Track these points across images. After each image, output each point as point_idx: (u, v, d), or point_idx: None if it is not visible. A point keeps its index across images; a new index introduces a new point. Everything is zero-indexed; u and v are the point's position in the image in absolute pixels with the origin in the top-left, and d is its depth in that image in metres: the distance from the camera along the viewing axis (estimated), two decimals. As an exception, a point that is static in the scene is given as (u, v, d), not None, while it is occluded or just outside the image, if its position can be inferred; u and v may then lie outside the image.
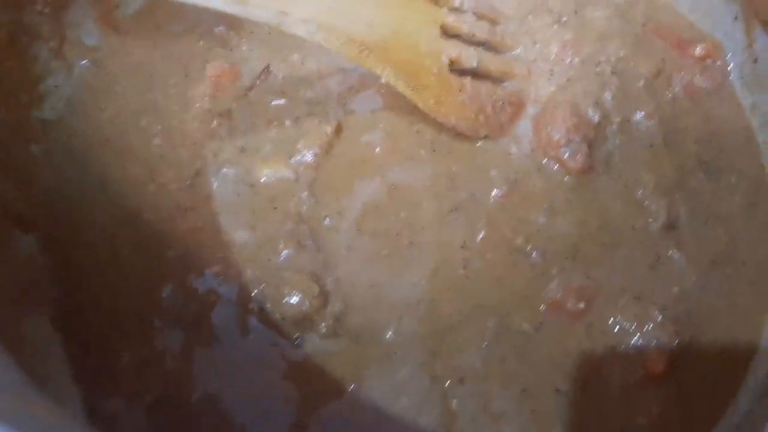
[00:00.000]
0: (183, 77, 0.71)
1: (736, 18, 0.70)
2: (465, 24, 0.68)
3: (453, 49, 0.66)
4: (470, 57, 0.67)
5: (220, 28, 0.74)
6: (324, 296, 0.60)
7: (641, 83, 0.71)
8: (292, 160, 0.66)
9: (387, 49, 0.59)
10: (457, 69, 0.67)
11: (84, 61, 0.72)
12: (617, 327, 0.60)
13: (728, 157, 0.67)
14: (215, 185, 0.65)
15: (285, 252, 0.62)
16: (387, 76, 0.61)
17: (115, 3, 0.74)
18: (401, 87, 0.62)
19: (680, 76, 0.71)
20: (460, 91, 0.65)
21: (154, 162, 0.67)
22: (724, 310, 0.61)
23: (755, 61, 0.69)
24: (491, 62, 0.69)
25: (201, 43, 0.73)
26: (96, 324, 0.60)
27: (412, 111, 0.67)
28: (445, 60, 0.65)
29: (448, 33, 0.67)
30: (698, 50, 0.72)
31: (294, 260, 0.62)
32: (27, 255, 0.61)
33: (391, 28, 0.60)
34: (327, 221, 0.64)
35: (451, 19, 0.67)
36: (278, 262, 0.62)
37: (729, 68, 0.71)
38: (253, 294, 0.60)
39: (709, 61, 0.72)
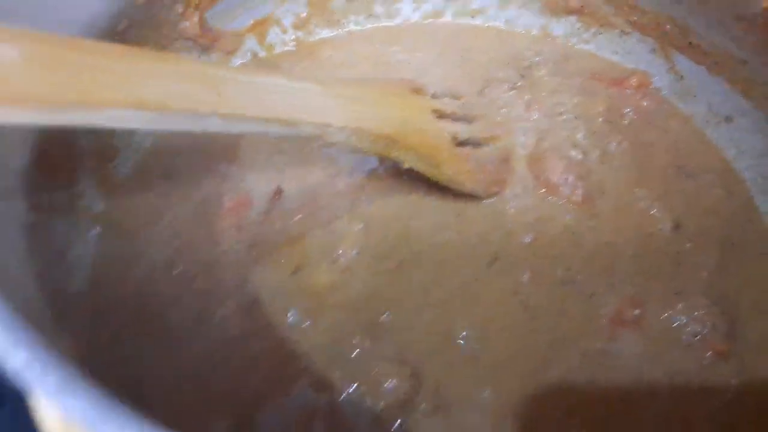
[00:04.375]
0: (203, 216, 0.73)
1: (653, 50, 0.84)
2: (447, 105, 0.77)
3: (449, 127, 0.73)
4: (463, 130, 0.75)
5: (221, 165, 0.77)
6: (416, 376, 0.62)
7: (600, 120, 0.81)
8: (339, 263, 0.69)
9: (405, 137, 0.66)
10: (456, 143, 0.74)
11: (95, 229, 0.72)
12: (675, 323, 0.66)
13: (695, 158, 0.78)
14: (272, 310, 0.66)
15: (363, 345, 0.63)
16: (410, 161, 0.67)
17: (111, 165, 0.76)
18: (423, 167, 0.68)
19: (628, 105, 0.83)
20: (467, 160, 0.73)
21: (202, 302, 0.67)
22: (748, 280, 0.70)
23: (681, 78, 0.83)
24: (478, 131, 0.77)
25: (206, 182, 0.76)
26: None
27: (421, 187, 0.73)
28: (448, 136, 0.72)
29: (437, 116, 0.75)
30: (633, 82, 0.84)
31: (375, 350, 0.63)
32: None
33: (401, 120, 0.67)
34: (386, 315, 0.67)
35: (437, 104, 0.75)
36: (361, 356, 0.63)
37: (662, 90, 0.84)
38: (347, 393, 0.61)
39: (644, 88, 0.84)
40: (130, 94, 0.42)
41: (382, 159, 0.75)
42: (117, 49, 0.43)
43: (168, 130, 0.47)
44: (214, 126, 0.49)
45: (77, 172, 0.71)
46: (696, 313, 0.66)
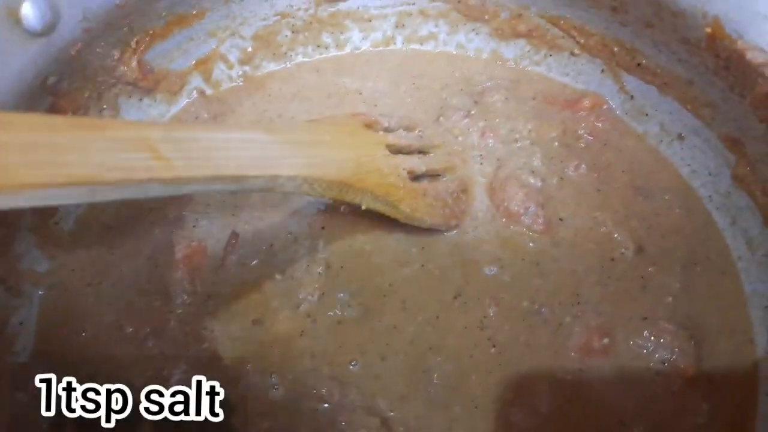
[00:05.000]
0: (153, 269, 0.70)
1: (602, 71, 0.84)
2: (402, 139, 0.75)
3: (404, 162, 0.72)
4: (419, 164, 0.73)
5: (171, 211, 0.74)
6: (387, 426, 0.60)
7: (556, 144, 0.81)
8: (301, 309, 0.67)
9: (360, 180, 0.64)
10: (412, 177, 0.73)
11: (41, 291, 0.69)
12: (644, 350, 0.65)
13: (652, 177, 0.78)
14: (232, 365, 0.63)
15: (331, 397, 0.61)
16: (366, 202, 0.65)
17: (52, 221, 0.72)
18: (380, 208, 0.67)
19: (582, 127, 0.83)
20: (425, 195, 0.71)
21: (159, 363, 0.64)
22: (712, 300, 0.69)
23: (632, 98, 0.83)
24: (434, 163, 0.76)
25: (157, 231, 0.73)
26: None
27: (382, 222, 0.71)
28: (403, 173, 0.70)
29: (392, 150, 0.73)
30: (586, 103, 0.84)
31: (343, 401, 0.61)
32: None
33: (355, 162, 0.65)
34: (353, 363, 0.65)
35: (390, 138, 0.74)
36: (329, 409, 0.61)
37: (615, 110, 0.84)
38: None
39: (597, 109, 0.84)
40: (56, 170, 0.39)
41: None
42: (37, 120, 0.40)
43: (106, 201, 0.44)
44: (156, 192, 0.46)
45: (15, 232, 0.67)
46: (663, 339, 0.66)
